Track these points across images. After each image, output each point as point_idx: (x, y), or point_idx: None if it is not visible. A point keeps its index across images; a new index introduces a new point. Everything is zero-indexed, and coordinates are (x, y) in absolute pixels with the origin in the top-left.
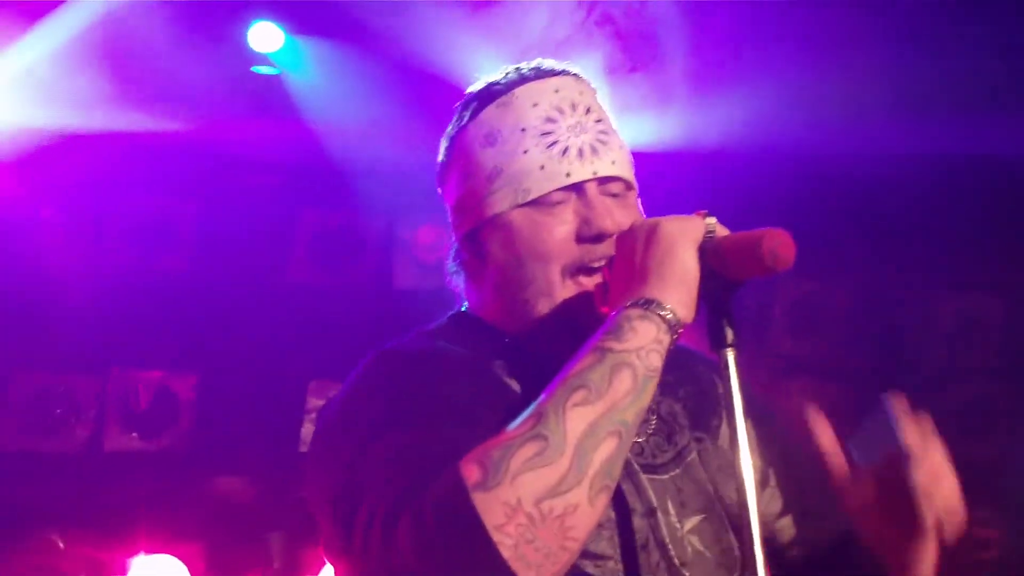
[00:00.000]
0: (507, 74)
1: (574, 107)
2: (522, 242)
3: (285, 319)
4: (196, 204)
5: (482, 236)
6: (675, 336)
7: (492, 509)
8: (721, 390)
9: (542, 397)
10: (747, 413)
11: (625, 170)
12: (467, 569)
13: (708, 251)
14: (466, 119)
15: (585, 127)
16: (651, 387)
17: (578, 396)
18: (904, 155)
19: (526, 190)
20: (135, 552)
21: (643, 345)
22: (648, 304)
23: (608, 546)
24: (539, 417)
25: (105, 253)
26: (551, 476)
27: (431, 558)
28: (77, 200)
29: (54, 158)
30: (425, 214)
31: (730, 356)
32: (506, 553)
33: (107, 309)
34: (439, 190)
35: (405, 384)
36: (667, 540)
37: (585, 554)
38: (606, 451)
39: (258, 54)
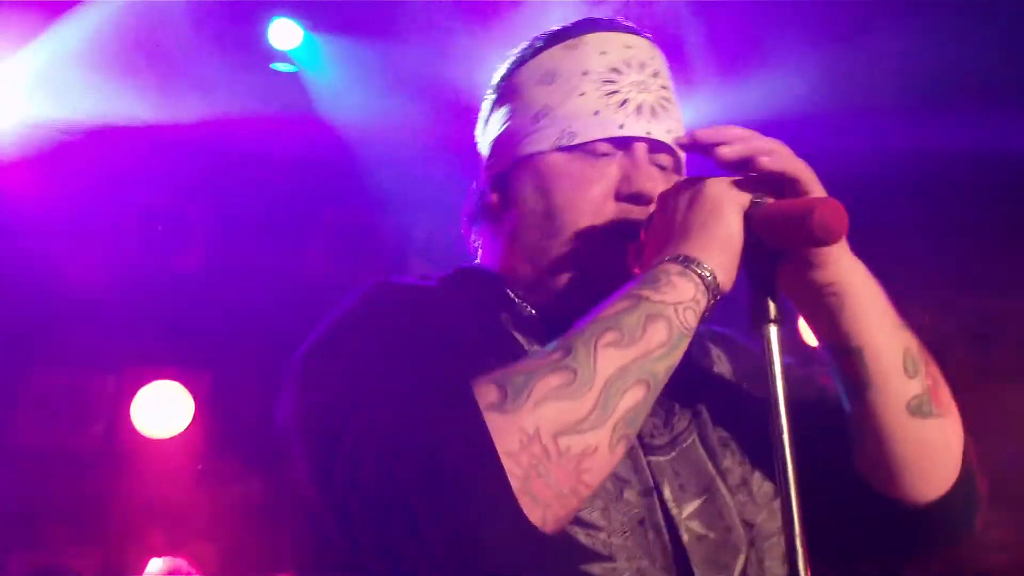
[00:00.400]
0: (579, 22)
1: (643, 66)
2: (557, 189)
3: (300, 317)
4: (212, 200)
5: (514, 176)
6: (712, 301)
7: (507, 433)
8: (715, 357)
9: (569, 332)
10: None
11: (678, 146)
12: (470, 498)
13: (754, 218)
14: (526, 57)
15: (649, 87)
16: (684, 345)
17: (610, 336)
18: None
19: (572, 133)
20: (149, 552)
21: (681, 300)
22: (688, 261)
23: (601, 517)
24: (568, 350)
25: (120, 249)
26: (575, 411)
27: (431, 484)
28: (93, 196)
29: (71, 154)
30: (442, 213)
31: (773, 332)
32: (515, 484)
33: (121, 306)
34: (476, 136)
35: (406, 313)
36: (661, 522)
37: (577, 520)
38: (632, 398)
39: (277, 51)
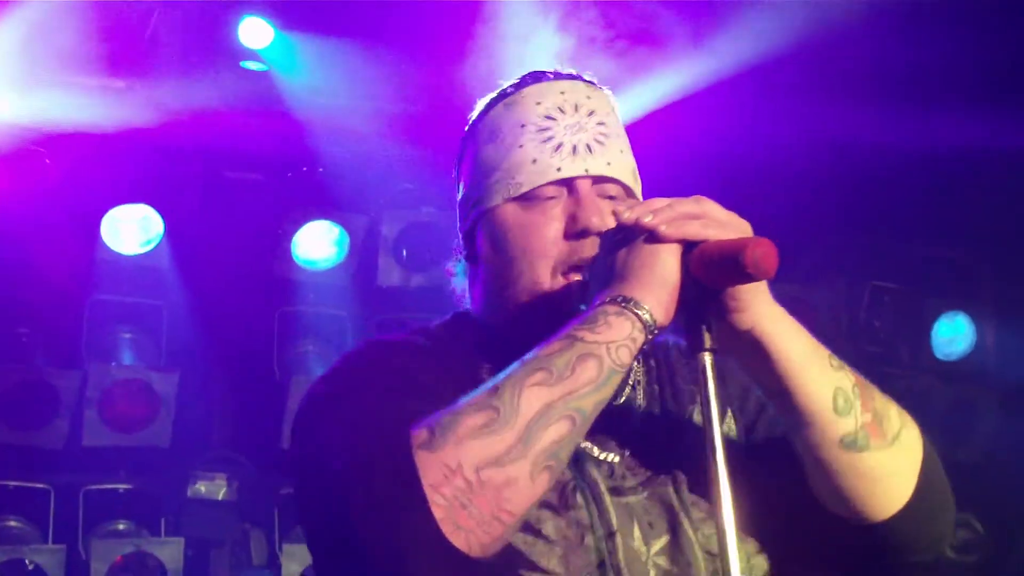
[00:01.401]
0: (521, 77)
1: (576, 108)
2: (511, 239)
3: (267, 315)
4: (181, 200)
5: (476, 233)
6: (650, 337)
7: (431, 469)
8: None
9: (502, 374)
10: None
11: (623, 174)
12: (402, 527)
13: (691, 258)
14: (476, 120)
15: (584, 127)
16: (615, 381)
17: (538, 376)
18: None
19: (518, 183)
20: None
21: (615, 339)
22: (626, 302)
23: (559, 564)
24: (495, 391)
25: (88, 248)
26: (495, 446)
27: (373, 515)
28: (64, 196)
29: (39, 154)
30: (410, 212)
31: (708, 361)
32: (438, 513)
33: (90, 304)
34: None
35: (385, 365)
36: (623, 563)
37: (535, 567)
38: (556, 433)
39: (247, 49)
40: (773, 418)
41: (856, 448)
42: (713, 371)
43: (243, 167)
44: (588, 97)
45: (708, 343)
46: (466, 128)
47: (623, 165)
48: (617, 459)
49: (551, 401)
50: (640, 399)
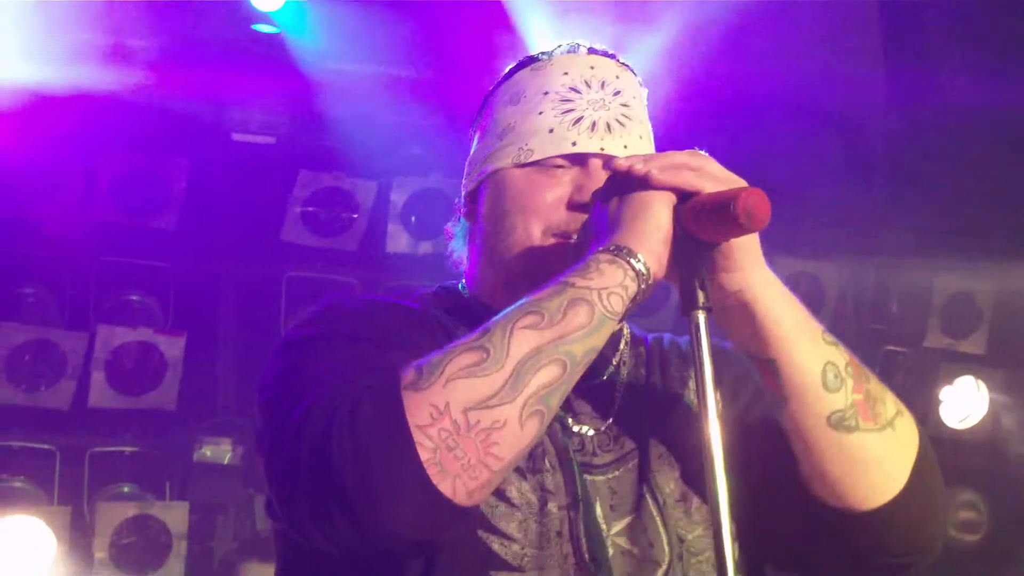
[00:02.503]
0: (556, 46)
1: (603, 85)
2: (512, 196)
3: (275, 280)
4: (191, 161)
5: (480, 192)
6: (643, 287)
7: (418, 409)
8: (690, 373)
9: (495, 317)
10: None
11: None
12: (387, 468)
13: (683, 211)
14: (500, 81)
15: (607, 105)
16: (607, 328)
17: (529, 320)
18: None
19: (530, 150)
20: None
21: (607, 286)
22: (619, 250)
23: (517, 529)
24: (485, 331)
25: (97, 209)
26: (484, 387)
27: (357, 455)
28: (69, 155)
29: (47, 112)
30: (420, 178)
31: (701, 318)
32: (424, 455)
33: (96, 265)
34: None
35: (361, 314)
36: (582, 535)
37: (495, 530)
38: (546, 376)
39: (259, 12)
40: (767, 404)
41: (845, 427)
42: (707, 330)
43: (253, 130)
44: (617, 77)
45: (702, 300)
46: (491, 87)
47: (640, 150)
48: (591, 433)
49: (541, 344)
50: (623, 378)
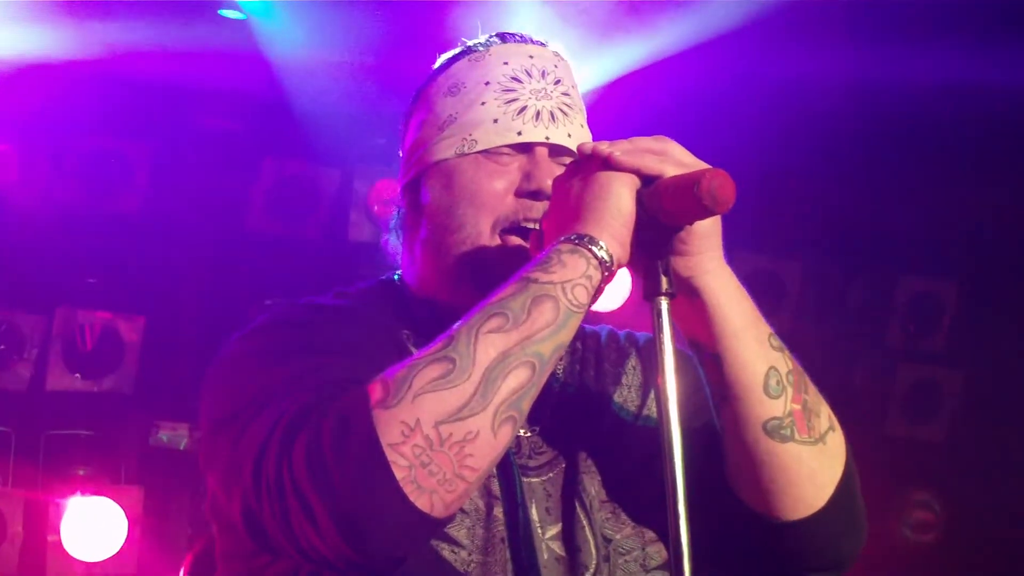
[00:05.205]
0: (489, 36)
1: (544, 74)
2: (459, 187)
3: (237, 267)
4: (154, 145)
5: (422, 184)
6: (607, 275)
7: (389, 427)
8: (629, 368)
9: (457, 323)
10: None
11: None
12: (359, 490)
13: (646, 195)
14: (437, 71)
15: (550, 94)
16: (573, 322)
17: (493, 323)
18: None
19: (474, 140)
20: (72, 494)
21: (570, 278)
22: (580, 239)
23: (466, 535)
24: (450, 340)
25: (58, 189)
26: (453, 400)
27: (325, 478)
28: (31, 134)
29: (8, 89)
30: (383, 167)
31: (664, 305)
32: (399, 474)
33: (56, 246)
34: (400, 145)
35: (309, 324)
36: (521, 540)
37: (446, 537)
38: (515, 381)
39: None
40: (701, 405)
41: (779, 436)
42: (670, 318)
43: (217, 115)
44: (555, 66)
45: (665, 286)
46: (424, 80)
47: (581, 140)
48: (528, 434)
49: (508, 348)
50: (560, 377)
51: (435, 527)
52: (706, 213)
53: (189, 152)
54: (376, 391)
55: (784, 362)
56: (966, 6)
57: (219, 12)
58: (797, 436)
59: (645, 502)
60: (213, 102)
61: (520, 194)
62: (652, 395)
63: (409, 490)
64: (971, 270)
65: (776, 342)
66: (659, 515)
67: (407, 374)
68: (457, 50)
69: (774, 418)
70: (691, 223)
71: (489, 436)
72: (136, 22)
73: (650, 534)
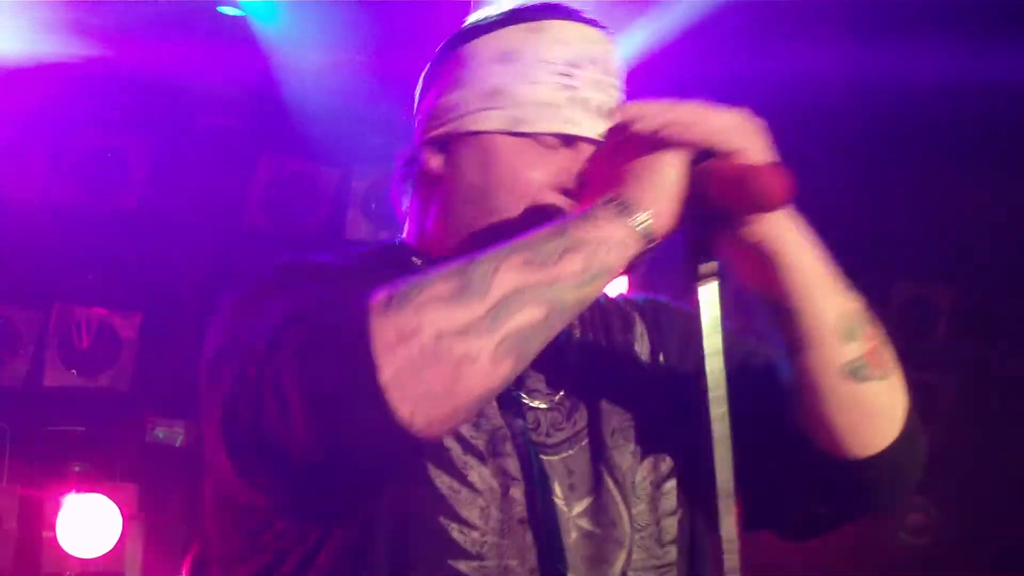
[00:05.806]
0: (544, 4)
1: (600, 63)
2: (499, 168)
3: (234, 264)
4: (152, 142)
5: (454, 148)
6: (645, 247)
7: (384, 330)
8: (638, 334)
9: (481, 252)
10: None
11: None
12: (340, 382)
13: (697, 172)
14: (482, 29)
15: (605, 87)
16: (600, 283)
17: (519, 257)
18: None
19: (521, 120)
20: (68, 490)
21: (606, 240)
22: (623, 205)
23: (479, 516)
24: (469, 263)
25: (55, 186)
26: (460, 316)
27: (305, 369)
28: (28, 130)
29: (8, 91)
30: (382, 166)
31: (711, 288)
32: (384, 375)
33: (52, 242)
34: (416, 92)
35: (315, 272)
36: (543, 519)
37: (456, 516)
38: (528, 317)
39: None
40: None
41: (857, 377)
42: (718, 301)
43: (215, 112)
44: (607, 52)
45: (710, 268)
46: (465, 30)
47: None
48: (545, 407)
49: (529, 283)
50: (575, 339)
51: (409, 443)
52: (754, 209)
53: (187, 149)
54: (380, 299)
55: (854, 303)
56: (966, 6)
57: (217, 9)
58: (874, 374)
59: (666, 468)
60: (211, 99)
61: (561, 190)
62: (661, 358)
63: (392, 395)
64: (967, 275)
65: (845, 281)
66: (689, 486)
67: (415, 285)
68: (504, 11)
69: (851, 360)
70: (738, 215)
71: (488, 363)
72: (134, 19)
73: (664, 507)
